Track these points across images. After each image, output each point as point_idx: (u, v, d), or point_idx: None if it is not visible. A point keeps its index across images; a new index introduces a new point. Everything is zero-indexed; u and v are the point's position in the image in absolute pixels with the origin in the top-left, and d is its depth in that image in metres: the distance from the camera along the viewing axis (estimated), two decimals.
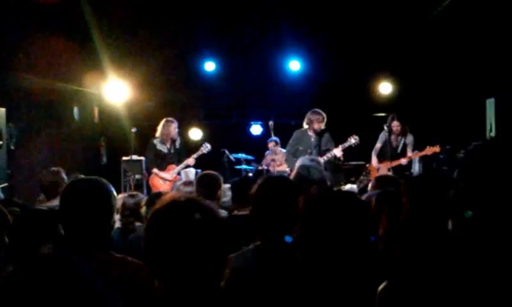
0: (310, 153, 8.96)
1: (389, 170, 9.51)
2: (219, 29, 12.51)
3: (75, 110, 11.58)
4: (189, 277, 2.00)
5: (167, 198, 2.20)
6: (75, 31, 10.82)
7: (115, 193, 2.98)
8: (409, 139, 9.82)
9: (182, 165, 9.46)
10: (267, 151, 11.30)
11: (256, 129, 13.51)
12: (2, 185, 8.24)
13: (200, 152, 9.58)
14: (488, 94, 10.58)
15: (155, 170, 9.44)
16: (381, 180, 4.71)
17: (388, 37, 12.01)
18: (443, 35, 11.29)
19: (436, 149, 9.76)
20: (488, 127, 10.55)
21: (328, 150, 9.03)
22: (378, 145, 9.91)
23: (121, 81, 11.65)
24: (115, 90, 11.65)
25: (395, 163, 9.67)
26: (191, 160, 9.48)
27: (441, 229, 2.65)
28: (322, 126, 9.13)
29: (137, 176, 10.24)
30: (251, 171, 11.17)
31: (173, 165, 9.45)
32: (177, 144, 9.60)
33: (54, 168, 6.14)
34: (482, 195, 1.97)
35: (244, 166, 10.70)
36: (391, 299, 2.21)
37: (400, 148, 9.86)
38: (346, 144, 9.06)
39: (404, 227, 2.75)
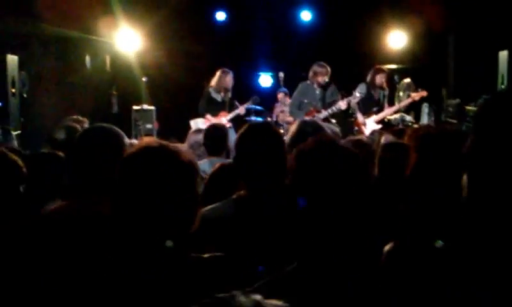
0: (315, 106, 9.00)
1: (379, 123, 9.39)
2: None
3: (87, 58, 11.60)
4: (156, 222, 2.07)
5: (140, 143, 2.29)
6: None
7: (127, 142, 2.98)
8: (387, 91, 9.70)
9: (233, 114, 9.75)
10: (277, 103, 11.34)
11: (266, 80, 13.49)
12: (16, 132, 8.36)
13: (250, 102, 10.01)
14: (501, 46, 10.46)
15: (208, 115, 9.62)
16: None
17: None
18: None
19: (423, 93, 9.60)
20: (500, 80, 10.47)
21: (334, 102, 9.03)
22: (357, 97, 9.36)
23: (132, 30, 11.65)
24: (126, 39, 11.66)
25: (381, 115, 9.51)
26: (241, 109, 9.84)
27: (453, 187, 2.57)
28: (327, 79, 9.10)
29: (148, 126, 10.32)
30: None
31: (225, 112, 9.71)
32: (229, 94, 9.87)
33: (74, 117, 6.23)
34: (495, 150, 1.84)
35: (253, 117, 10.73)
36: (398, 261, 2.16)
37: (381, 100, 9.68)
38: (351, 98, 9.04)
39: (410, 182, 2.69)
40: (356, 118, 9.54)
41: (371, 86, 9.57)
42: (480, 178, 1.86)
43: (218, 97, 9.78)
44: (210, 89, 9.78)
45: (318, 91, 9.16)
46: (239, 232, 2.80)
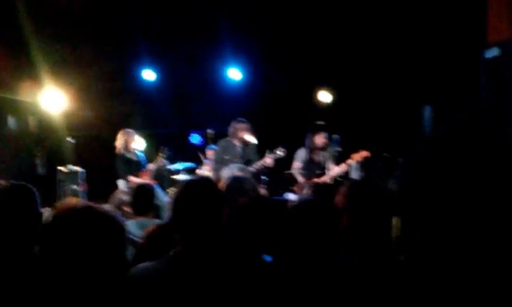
0: (237, 162, 8.78)
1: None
2: (158, 38, 12.40)
3: (10, 119, 11.34)
4: (83, 282, 2.00)
5: (66, 205, 2.23)
6: (8, 38, 10.59)
7: None
8: (328, 152, 9.35)
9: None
10: (206, 160, 11.25)
11: (195, 138, 13.42)
12: None
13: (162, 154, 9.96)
14: (425, 101, 10.70)
15: (131, 177, 9.32)
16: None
17: (326, 46, 12.08)
18: (380, 42, 11.42)
19: (365, 153, 9.24)
20: (425, 134, 10.66)
21: (251, 161, 8.83)
22: (298, 164, 9.32)
23: (58, 90, 11.44)
24: (52, 99, 11.44)
25: (323, 179, 9.16)
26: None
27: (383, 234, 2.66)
28: (248, 135, 8.93)
29: (74, 187, 10.09)
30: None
31: (144, 172, 9.56)
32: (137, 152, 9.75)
33: None
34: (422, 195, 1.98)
35: (185, 176, 10.61)
36: None
37: (323, 162, 9.36)
38: (274, 156, 8.81)
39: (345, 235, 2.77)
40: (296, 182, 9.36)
41: (311, 149, 9.32)
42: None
43: (132, 156, 9.63)
44: (123, 151, 9.56)
45: (239, 148, 8.98)
46: (175, 289, 2.67)
